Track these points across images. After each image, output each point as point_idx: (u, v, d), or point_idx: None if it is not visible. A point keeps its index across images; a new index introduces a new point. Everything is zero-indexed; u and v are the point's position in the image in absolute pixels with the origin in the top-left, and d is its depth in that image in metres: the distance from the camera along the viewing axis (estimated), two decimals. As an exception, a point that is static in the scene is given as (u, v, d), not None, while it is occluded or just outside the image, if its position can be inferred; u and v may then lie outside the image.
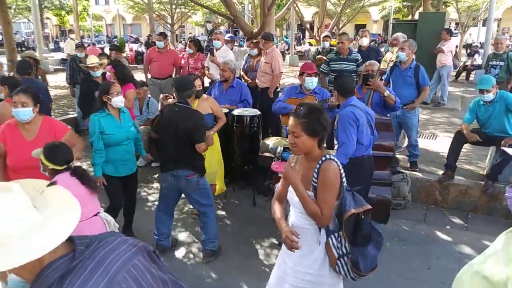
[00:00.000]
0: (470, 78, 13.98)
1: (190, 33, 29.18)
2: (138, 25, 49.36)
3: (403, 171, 5.21)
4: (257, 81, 6.38)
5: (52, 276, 1.08)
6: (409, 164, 5.55)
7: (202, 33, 38.00)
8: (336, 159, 2.20)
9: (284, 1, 15.79)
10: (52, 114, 8.48)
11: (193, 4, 26.24)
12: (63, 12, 35.83)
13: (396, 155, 5.47)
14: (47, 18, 41.82)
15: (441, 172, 5.26)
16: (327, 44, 7.39)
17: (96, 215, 2.91)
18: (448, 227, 4.62)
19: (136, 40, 36.06)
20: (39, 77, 7.57)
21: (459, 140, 5.08)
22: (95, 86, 4.72)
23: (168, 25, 29.86)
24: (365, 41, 7.01)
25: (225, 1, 7.35)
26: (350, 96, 3.62)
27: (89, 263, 1.11)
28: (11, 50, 12.94)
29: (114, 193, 3.86)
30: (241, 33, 32.45)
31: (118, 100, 3.68)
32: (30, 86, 3.57)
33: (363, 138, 3.51)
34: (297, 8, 17.56)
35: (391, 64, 5.49)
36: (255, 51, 6.76)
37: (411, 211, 4.97)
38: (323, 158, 2.17)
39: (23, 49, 25.25)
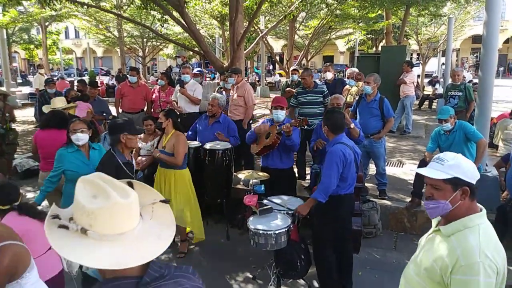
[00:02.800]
0: (433, 106, 14.65)
1: (170, 65, 29.28)
2: (109, 58, 49.28)
3: (373, 199, 5.35)
4: (229, 114, 6.49)
5: None
6: (378, 192, 5.71)
7: (176, 65, 38.37)
8: None
9: (253, 35, 16.23)
10: (19, 150, 8.34)
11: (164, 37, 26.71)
12: (32, 46, 35.41)
13: (365, 184, 5.63)
14: (15, 51, 41.18)
15: (409, 199, 5.43)
16: (295, 77, 7.63)
17: (50, 249, 2.80)
18: (417, 253, 4.72)
19: (107, 73, 35.97)
20: (7, 114, 7.45)
21: (423, 168, 5.28)
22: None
23: (140, 58, 29.99)
24: (329, 75, 7.39)
25: (196, 37, 7.53)
26: (340, 133, 3.69)
27: None
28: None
29: None
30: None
31: (80, 138, 3.65)
32: None
33: (348, 176, 3.59)
34: (266, 41, 18.07)
35: (357, 98, 5.73)
36: (229, 85, 6.90)
37: (382, 239, 5.08)
38: None
39: (-11, 83, 24.68)
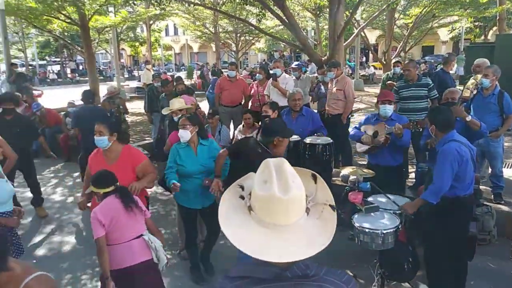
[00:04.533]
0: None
1: (264, 60, 29.91)
2: (204, 53, 51.66)
3: (487, 203, 4.89)
4: (327, 107, 6.39)
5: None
6: (493, 196, 5.20)
7: (267, 58, 38.99)
8: None
9: (350, 27, 15.73)
10: (129, 139, 9.16)
11: (257, 32, 27.22)
12: (137, 43, 38.62)
13: (479, 187, 5.15)
14: (122, 49, 45.18)
15: (529, 205, 4.87)
16: (398, 70, 7.26)
17: (138, 237, 2.97)
18: (540, 266, 4.23)
19: (202, 68, 37.83)
20: (120, 106, 8.22)
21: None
22: None
23: (233, 53, 30.98)
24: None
25: (295, 30, 7.50)
26: (450, 131, 3.39)
27: None
28: (94, 79, 14.16)
29: (188, 224, 3.97)
30: (303, 58, 32.79)
31: (181, 134, 3.72)
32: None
33: (465, 175, 3.31)
34: (362, 33, 17.44)
35: (474, 92, 5.24)
36: (328, 77, 6.76)
37: (497, 247, 4.62)
38: None
39: (101, 77, 27.46)
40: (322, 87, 6.90)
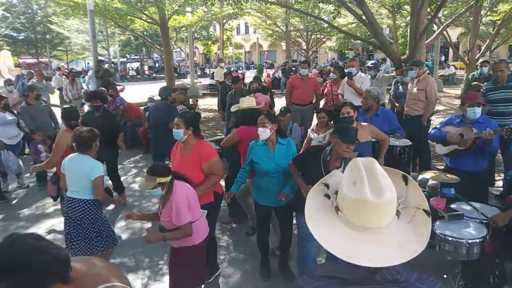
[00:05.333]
0: None
1: (333, 58, 29.48)
2: (273, 52, 51.99)
3: None
4: (406, 108, 6.12)
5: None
6: None
7: (333, 59, 38.31)
8: None
9: (432, 26, 14.91)
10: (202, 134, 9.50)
11: (328, 29, 26.82)
12: (209, 42, 39.96)
13: None
14: (196, 47, 46.99)
15: None
16: (485, 70, 6.76)
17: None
18: None
19: (271, 66, 38.17)
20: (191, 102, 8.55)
21: None
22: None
23: (303, 51, 30.85)
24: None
25: (374, 28, 7.26)
26: None
27: None
28: (170, 77, 14.87)
29: (259, 220, 4.01)
30: (375, 57, 31.70)
31: (260, 131, 3.68)
32: (188, 112, 4.15)
33: None
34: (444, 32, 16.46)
35: None
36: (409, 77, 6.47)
37: None
38: None
39: (176, 74, 28.78)
40: (401, 87, 6.62)
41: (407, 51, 7.29)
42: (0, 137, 6.24)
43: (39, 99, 6.79)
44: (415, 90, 6.03)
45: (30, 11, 35.02)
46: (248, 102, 5.30)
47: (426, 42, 7.47)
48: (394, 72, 7.73)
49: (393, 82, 7.06)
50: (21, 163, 6.41)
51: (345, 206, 1.23)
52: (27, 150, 7.19)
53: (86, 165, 3.66)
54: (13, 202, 6.21)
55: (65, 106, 7.21)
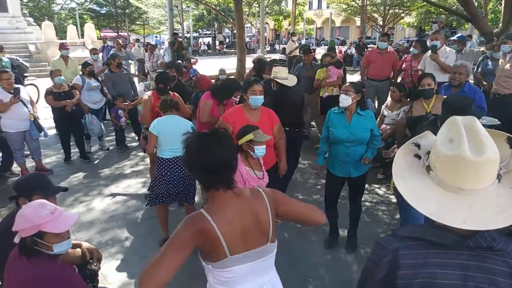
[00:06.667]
0: None
1: (420, 32, 27.54)
2: (346, 28, 50.23)
3: None
4: (494, 86, 5.58)
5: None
6: None
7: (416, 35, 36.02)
8: None
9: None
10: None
11: (409, 3, 25.15)
12: (281, 17, 39.49)
13: None
14: (266, 23, 46.76)
15: None
16: None
17: None
18: None
19: (343, 43, 36.93)
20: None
21: None
22: None
23: (378, 27, 29.38)
24: None
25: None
26: None
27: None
28: (242, 50, 14.94)
29: (329, 189, 3.93)
30: (458, 34, 29.20)
31: (341, 98, 3.60)
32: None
33: None
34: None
35: None
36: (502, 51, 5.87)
37: None
38: None
39: (246, 49, 28.97)
40: (490, 63, 6.04)
41: (500, 25, 6.58)
42: (86, 102, 6.71)
43: (121, 67, 7.15)
44: (507, 66, 5.46)
45: (112, -15, 36.94)
46: (284, 71, 4.72)
47: (524, 14, 6.69)
48: (482, 48, 7.04)
49: (481, 58, 6.44)
50: (102, 127, 6.87)
51: (439, 165, 1.13)
52: (108, 116, 7.67)
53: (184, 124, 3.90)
54: (95, 162, 6.70)
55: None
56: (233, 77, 7.44)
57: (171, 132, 3.78)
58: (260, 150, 2.91)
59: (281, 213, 1.77)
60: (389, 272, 1.17)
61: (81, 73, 7.02)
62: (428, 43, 6.59)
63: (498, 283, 1.07)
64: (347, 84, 3.70)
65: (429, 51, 6.16)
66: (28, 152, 5.99)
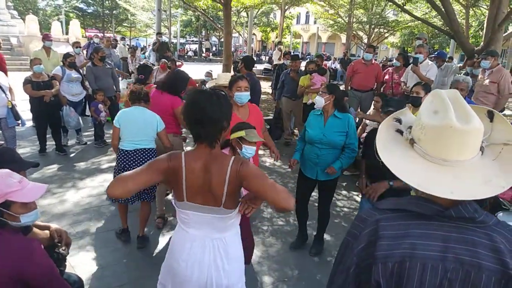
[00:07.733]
0: None
1: (403, 47, 28.02)
2: (331, 44, 50.98)
3: None
4: (473, 100, 5.72)
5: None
6: None
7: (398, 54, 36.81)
8: None
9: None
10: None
11: (393, 24, 25.79)
12: (268, 29, 39.85)
13: None
14: (253, 34, 47.11)
15: None
16: None
17: None
18: None
19: (328, 59, 37.44)
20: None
21: None
22: None
23: (363, 45, 29.93)
24: None
25: (448, 15, 6.82)
26: None
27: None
28: (228, 56, 14.94)
29: (298, 186, 3.91)
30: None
31: (316, 100, 3.66)
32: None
33: None
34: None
35: None
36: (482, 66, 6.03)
37: None
38: None
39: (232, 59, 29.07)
40: (470, 80, 6.17)
41: (481, 43, 6.77)
42: (64, 93, 6.56)
43: (104, 61, 7.03)
44: (486, 82, 5.61)
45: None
46: (225, 78, 4.63)
47: (505, 34, 6.91)
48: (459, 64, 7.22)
49: (462, 73, 6.61)
50: (80, 120, 6.70)
51: (424, 137, 1.12)
52: (88, 112, 7.50)
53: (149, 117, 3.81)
54: (71, 155, 6.52)
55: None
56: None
57: (134, 124, 3.74)
58: (248, 151, 2.78)
59: (245, 186, 1.86)
60: (368, 244, 1.14)
61: (61, 64, 6.87)
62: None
63: (479, 255, 1.06)
64: (323, 86, 3.74)
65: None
66: (3, 142, 5.79)
